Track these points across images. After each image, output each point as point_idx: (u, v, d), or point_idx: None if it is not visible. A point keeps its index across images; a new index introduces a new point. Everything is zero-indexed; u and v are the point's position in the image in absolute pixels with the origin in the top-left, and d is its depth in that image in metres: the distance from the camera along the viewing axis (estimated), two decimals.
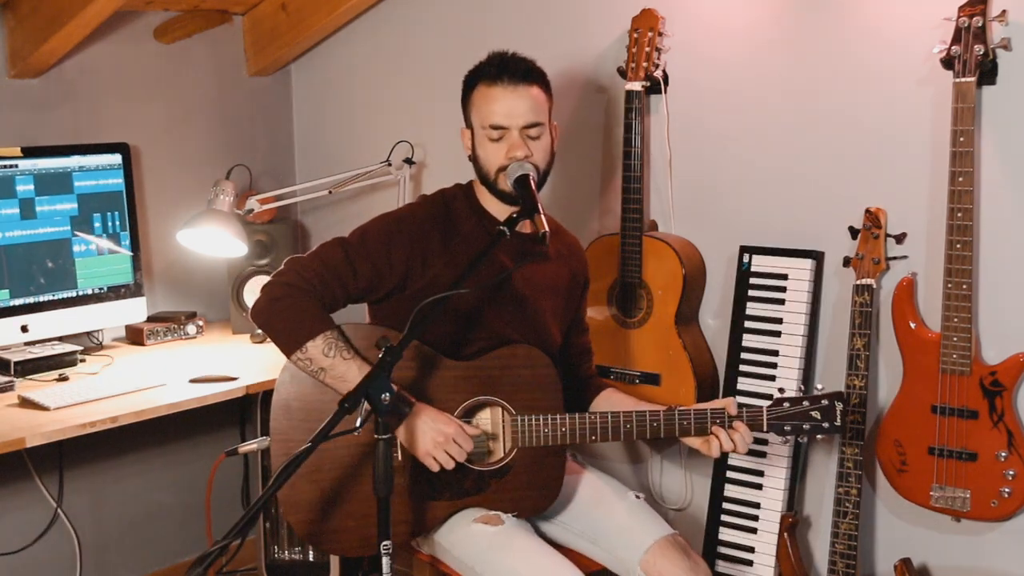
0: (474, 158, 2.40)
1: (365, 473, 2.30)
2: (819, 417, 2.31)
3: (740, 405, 2.31)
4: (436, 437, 2.22)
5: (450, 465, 2.24)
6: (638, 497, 2.46)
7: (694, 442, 2.34)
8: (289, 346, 2.24)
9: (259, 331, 3.35)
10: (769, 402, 2.33)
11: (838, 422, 2.31)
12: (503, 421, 2.35)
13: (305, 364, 2.25)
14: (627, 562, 2.34)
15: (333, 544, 2.36)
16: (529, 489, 2.36)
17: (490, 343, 2.37)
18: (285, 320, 2.24)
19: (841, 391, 2.36)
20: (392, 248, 2.33)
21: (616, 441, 2.32)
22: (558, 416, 2.31)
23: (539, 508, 2.39)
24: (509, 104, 2.31)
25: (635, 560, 2.32)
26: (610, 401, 2.54)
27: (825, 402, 2.31)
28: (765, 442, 2.80)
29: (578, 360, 2.62)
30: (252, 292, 3.42)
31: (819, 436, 2.33)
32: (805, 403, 2.32)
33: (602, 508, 2.43)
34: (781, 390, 2.41)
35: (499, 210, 2.41)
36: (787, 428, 2.32)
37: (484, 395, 2.34)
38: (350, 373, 2.22)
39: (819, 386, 2.37)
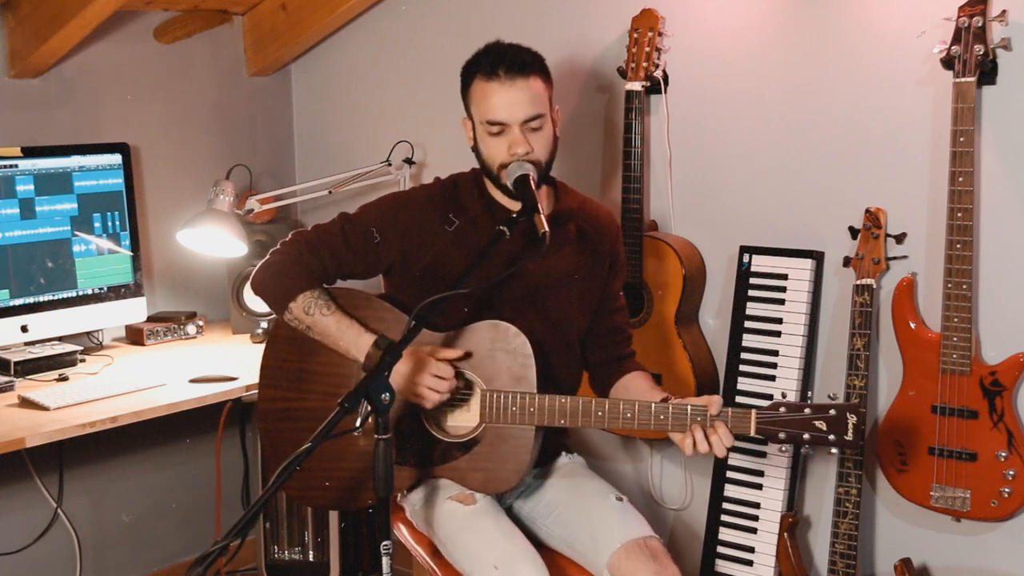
0: (476, 150, 2.39)
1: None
2: (824, 428, 2.10)
3: (725, 405, 2.16)
4: (415, 375, 2.24)
5: (436, 397, 2.25)
6: (620, 499, 2.37)
7: (675, 437, 2.21)
8: (278, 308, 2.38)
9: (259, 331, 3.36)
10: (767, 404, 2.18)
11: (849, 436, 2.09)
12: (477, 394, 2.32)
13: (296, 324, 2.36)
14: (596, 564, 2.28)
15: (310, 498, 2.48)
16: (494, 467, 2.30)
17: None
18: (271, 284, 2.37)
19: (856, 403, 2.16)
20: (388, 225, 2.38)
21: (587, 427, 2.18)
22: (527, 395, 2.24)
23: (504, 487, 2.33)
24: (507, 99, 2.26)
25: (602, 563, 2.26)
26: (627, 387, 2.45)
27: (833, 412, 2.10)
28: (765, 442, 2.77)
29: (605, 341, 2.51)
30: (252, 292, 3.42)
31: (831, 450, 2.13)
32: (807, 411, 2.12)
33: (579, 510, 2.37)
34: (784, 395, 2.18)
35: (505, 199, 2.40)
36: (782, 435, 2.13)
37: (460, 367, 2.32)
38: (330, 328, 2.32)
39: (832, 394, 2.20)
